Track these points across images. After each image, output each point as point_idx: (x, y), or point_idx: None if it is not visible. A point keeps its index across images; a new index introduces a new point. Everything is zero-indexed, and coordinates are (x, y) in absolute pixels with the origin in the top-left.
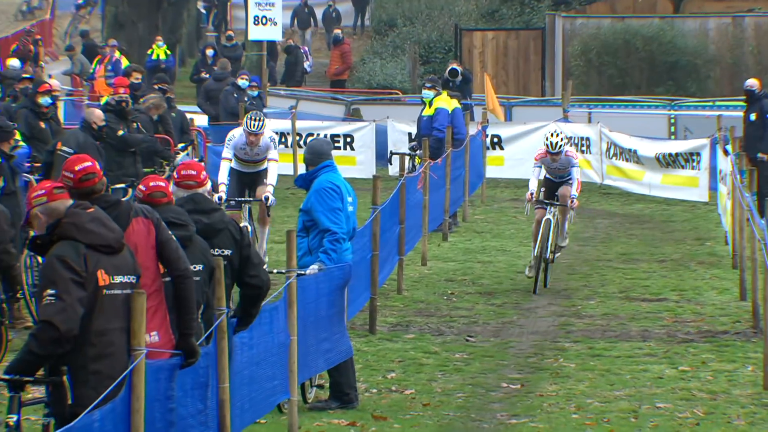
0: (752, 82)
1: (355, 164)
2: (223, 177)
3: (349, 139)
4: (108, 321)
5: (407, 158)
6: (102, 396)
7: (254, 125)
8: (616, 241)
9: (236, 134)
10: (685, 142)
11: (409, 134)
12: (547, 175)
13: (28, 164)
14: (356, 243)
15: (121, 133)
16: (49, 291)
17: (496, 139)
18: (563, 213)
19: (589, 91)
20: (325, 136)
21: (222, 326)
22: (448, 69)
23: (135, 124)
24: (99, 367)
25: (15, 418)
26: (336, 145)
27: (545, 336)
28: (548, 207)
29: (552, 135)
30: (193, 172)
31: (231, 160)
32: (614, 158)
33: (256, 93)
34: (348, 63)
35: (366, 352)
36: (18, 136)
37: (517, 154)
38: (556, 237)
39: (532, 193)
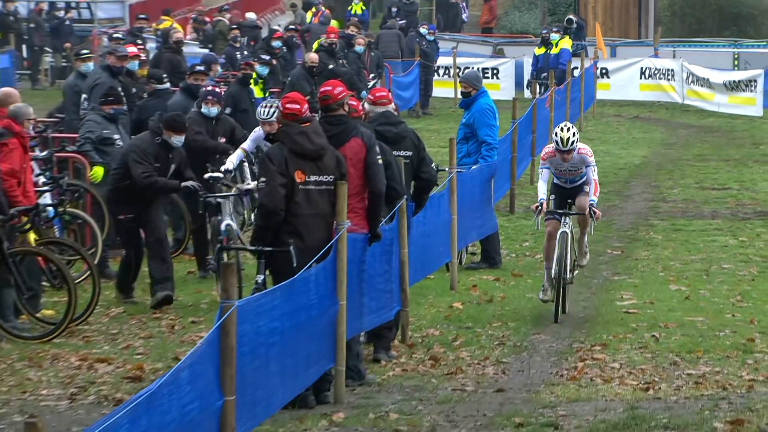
0: None
1: (499, 89)
2: (234, 159)
3: (495, 71)
4: (302, 208)
5: (538, 85)
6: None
7: (265, 112)
8: (693, 146)
9: (258, 130)
10: (745, 72)
11: (532, 70)
12: (556, 180)
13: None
14: (500, 147)
15: (330, 66)
16: (262, 179)
17: (603, 71)
18: (583, 225)
19: (673, 34)
20: (477, 69)
21: (402, 208)
22: (566, 18)
23: (340, 61)
24: (296, 240)
25: (261, 278)
26: (485, 75)
27: (639, 215)
28: (562, 218)
29: (562, 129)
30: (385, 94)
31: (247, 151)
32: (692, 84)
33: (432, 38)
34: (494, 14)
35: (507, 227)
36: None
37: (619, 81)
38: (575, 254)
39: (542, 203)
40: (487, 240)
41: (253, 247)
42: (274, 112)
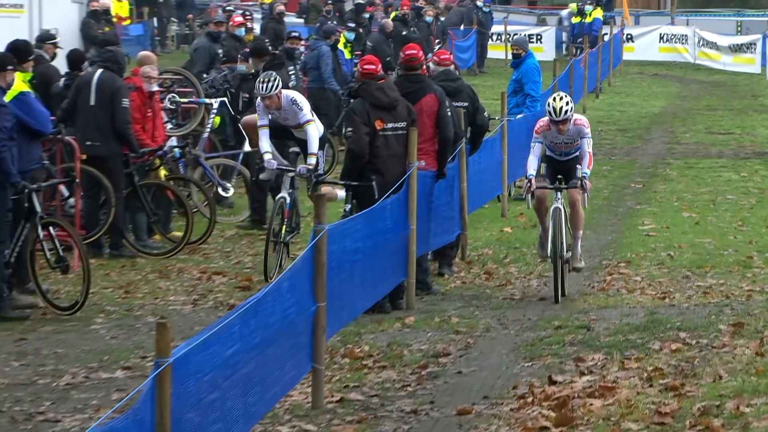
0: None
1: (542, 51)
2: (266, 145)
3: (539, 37)
4: (381, 150)
5: (575, 48)
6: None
7: (263, 87)
8: (702, 98)
9: (260, 100)
10: (746, 37)
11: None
12: (549, 152)
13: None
14: (541, 100)
15: (404, 33)
16: (349, 129)
17: (629, 36)
18: (574, 198)
19: (686, 5)
20: (525, 35)
21: (462, 150)
22: None
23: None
24: (377, 177)
25: (348, 207)
26: (531, 40)
27: (657, 155)
28: (556, 192)
29: (554, 99)
30: (447, 56)
31: (267, 126)
32: (703, 47)
33: (487, 10)
34: None
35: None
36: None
37: (641, 45)
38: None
39: (530, 179)
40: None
41: (342, 182)
42: (272, 87)
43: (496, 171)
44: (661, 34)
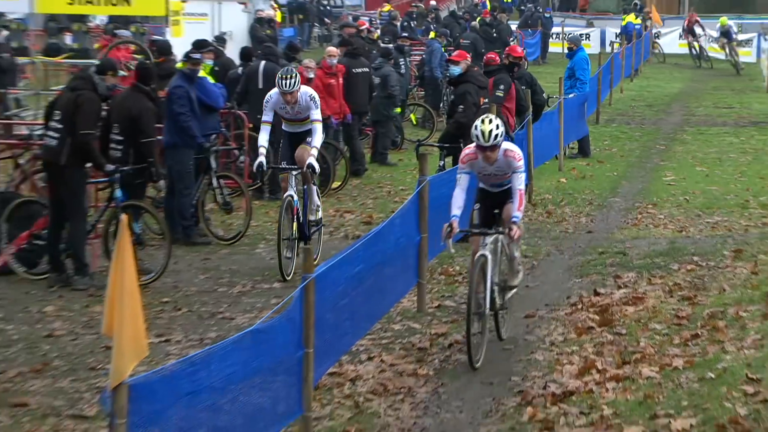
0: None
1: (590, 47)
2: (263, 140)
3: (588, 35)
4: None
5: (616, 45)
6: None
7: (285, 84)
8: (711, 81)
9: (272, 95)
10: (744, 35)
11: (616, 34)
12: (482, 185)
13: None
14: (589, 83)
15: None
16: (460, 106)
17: (657, 34)
18: (511, 254)
19: (699, 11)
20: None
21: (529, 120)
22: (633, 3)
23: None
24: (466, 140)
25: (442, 163)
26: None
27: (676, 124)
28: (483, 237)
29: (483, 121)
30: (520, 51)
31: (270, 123)
32: (711, 43)
33: (548, 16)
34: (587, 1)
35: (594, 132)
36: None
37: (665, 42)
38: (501, 276)
39: (453, 222)
40: (582, 140)
41: (438, 144)
42: (294, 84)
43: (555, 136)
44: (680, 33)
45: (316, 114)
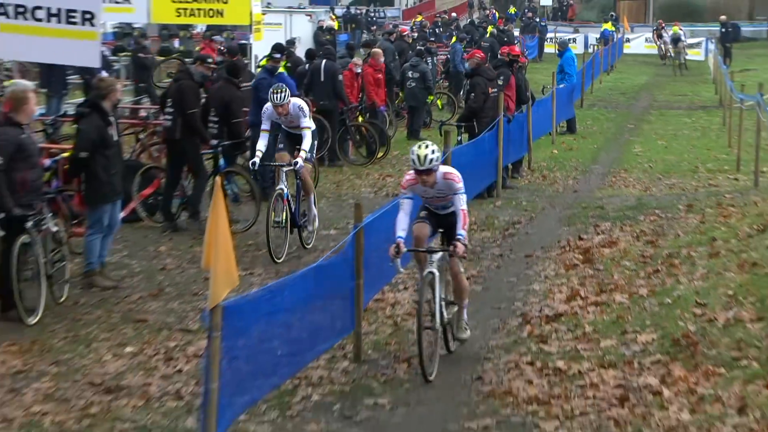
0: (722, 18)
1: (576, 48)
2: (260, 145)
3: (574, 39)
4: (487, 104)
5: (596, 47)
6: None
7: (277, 98)
8: (669, 76)
9: (268, 107)
10: (695, 39)
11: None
12: (427, 204)
13: None
14: (575, 77)
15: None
16: (472, 93)
17: (627, 39)
18: (455, 270)
19: (664, 19)
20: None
21: (529, 107)
22: (609, 14)
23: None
24: (478, 120)
25: (459, 137)
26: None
27: (644, 108)
28: (429, 254)
29: (419, 146)
30: (518, 50)
31: (268, 130)
32: (670, 45)
33: (544, 24)
34: (574, 12)
35: (579, 113)
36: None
37: (635, 44)
38: (446, 293)
39: (399, 242)
40: (569, 120)
41: (456, 123)
42: (284, 98)
43: (548, 117)
44: (646, 38)
45: (306, 122)
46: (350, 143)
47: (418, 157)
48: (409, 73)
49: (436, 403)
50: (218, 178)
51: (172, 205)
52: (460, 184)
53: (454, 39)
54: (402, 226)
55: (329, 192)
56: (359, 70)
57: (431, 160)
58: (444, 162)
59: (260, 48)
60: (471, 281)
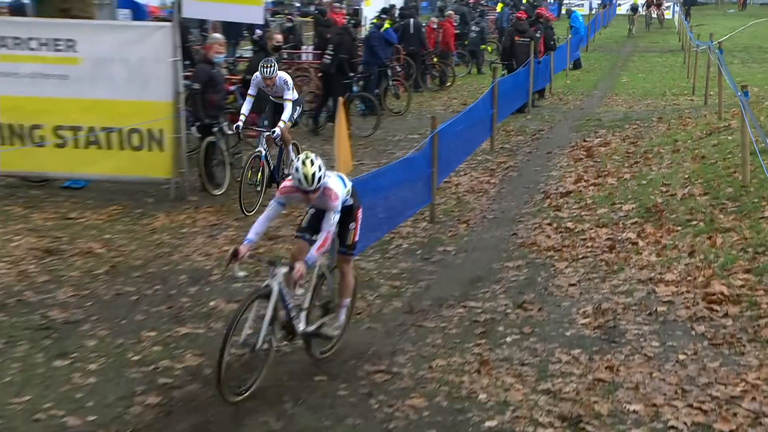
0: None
1: (583, 11)
2: (244, 109)
3: (582, 3)
4: (517, 49)
5: (598, 9)
6: None
7: (266, 71)
8: (647, 30)
9: (257, 76)
10: (667, 3)
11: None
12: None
13: None
14: (582, 30)
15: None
16: (503, 38)
17: (619, 3)
18: (343, 270)
19: None
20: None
21: (551, 51)
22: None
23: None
24: (514, 59)
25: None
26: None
27: (629, 52)
28: (270, 266)
29: (304, 164)
30: (545, 11)
31: (254, 95)
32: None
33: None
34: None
35: (583, 56)
36: None
37: (625, 7)
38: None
39: (238, 248)
40: (577, 60)
41: (500, 62)
42: (273, 71)
43: (564, 58)
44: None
45: (289, 94)
46: (428, 76)
47: (305, 176)
48: (473, 28)
49: (485, 251)
50: (340, 99)
51: (321, 117)
52: (336, 203)
53: (500, 6)
54: (257, 230)
55: (414, 109)
56: (435, 26)
57: (318, 178)
58: (493, 88)
59: (369, 11)
60: (510, 170)
